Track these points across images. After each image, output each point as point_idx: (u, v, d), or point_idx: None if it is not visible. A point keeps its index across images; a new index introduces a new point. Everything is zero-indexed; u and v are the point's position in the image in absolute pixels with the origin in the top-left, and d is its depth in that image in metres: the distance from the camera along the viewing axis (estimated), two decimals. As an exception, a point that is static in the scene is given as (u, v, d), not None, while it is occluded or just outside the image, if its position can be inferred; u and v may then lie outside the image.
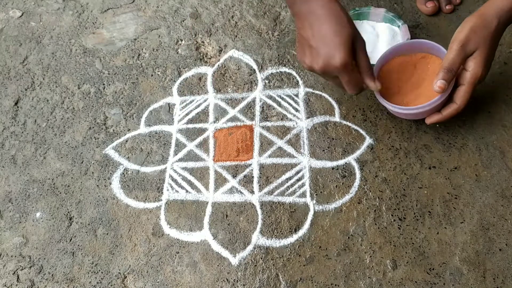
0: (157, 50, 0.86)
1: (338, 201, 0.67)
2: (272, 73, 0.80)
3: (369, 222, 0.65)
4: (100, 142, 0.77)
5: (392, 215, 0.65)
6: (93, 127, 0.79)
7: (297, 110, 0.76)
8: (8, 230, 0.71)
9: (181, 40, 0.87)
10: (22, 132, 0.80)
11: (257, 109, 0.77)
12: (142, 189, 0.72)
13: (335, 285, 0.61)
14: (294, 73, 0.79)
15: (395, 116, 0.72)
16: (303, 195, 0.68)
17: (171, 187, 0.71)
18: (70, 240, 0.69)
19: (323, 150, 0.71)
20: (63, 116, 0.81)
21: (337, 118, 0.74)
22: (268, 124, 0.75)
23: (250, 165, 0.71)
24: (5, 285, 0.66)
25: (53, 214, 0.71)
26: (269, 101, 0.77)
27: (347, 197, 0.67)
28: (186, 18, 0.89)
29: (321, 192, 0.68)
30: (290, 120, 0.75)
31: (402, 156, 0.69)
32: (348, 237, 0.64)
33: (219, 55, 0.84)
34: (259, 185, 0.70)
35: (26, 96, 0.84)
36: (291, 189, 0.69)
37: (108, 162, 0.75)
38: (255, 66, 0.81)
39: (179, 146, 0.75)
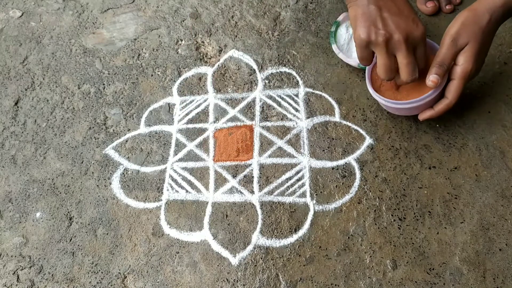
0: (157, 50, 0.86)
1: (338, 201, 0.67)
2: (272, 73, 0.80)
3: (369, 222, 0.65)
4: (100, 142, 0.77)
5: (392, 215, 0.65)
6: (93, 127, 0.79)
7: (297, 110, 0.76)
8: (8, 230, 0.71)
9: (181, 40, 0.87)
10: (22, 132, 0.80)
11: (257, 109, 0.77)
12: (142, 189, 0.72)
13: (335, 285, 0.61)
14: (294, 73, 0.79)
15: (395, 116, 0.72)
16: (303, 195, 0.68)
17: (171, 187, 0.71)
18: (70, 240, 0.69)
19: (323, 150, 0.71)
20: (63, 116, 0.81)
21: (337, 118, 0.74)
22: (268, 124, 0.75)
23: (250, 165, 0.71)
24: (5, 285, 0.66)
25: (53, 214, 0.71)
26: (269, 101, 0.77)
27: (347, 197, 0.67)
28: (186, 18, 0.89)
29: (321, 192, 0.68)
30: (290, 120, 0.75)
31: (402, 156, 0.69)
32: (348, 237, 0.64)
33: (219, 55, 0.84)
34: (259, 185, 0.70)
35: (26, 96, 0.84)
36: (291, 189, 0.69)
37: (108, 162, 0.75)
38: (255, 66, 0.81)
39: (179, 146, 0.75)
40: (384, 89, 0.67)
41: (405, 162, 0.69)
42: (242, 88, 0.79)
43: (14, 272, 0.67)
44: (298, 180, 0.69)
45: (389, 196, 0.66)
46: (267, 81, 0.79)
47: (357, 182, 0.68)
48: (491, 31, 0.62)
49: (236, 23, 0.87)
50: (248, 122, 0.75)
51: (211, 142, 0.75)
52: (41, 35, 0.91)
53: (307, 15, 0.85)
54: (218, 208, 0.69)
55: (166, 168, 0.73)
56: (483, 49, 0.62)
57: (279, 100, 0.77)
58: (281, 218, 0.67)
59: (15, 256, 0.68)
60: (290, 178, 0.69)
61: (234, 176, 0.71)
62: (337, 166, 0.70)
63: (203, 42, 0.86)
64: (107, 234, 0.68)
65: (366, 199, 0.66)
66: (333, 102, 0.76)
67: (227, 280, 0.63)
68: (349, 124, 0.73)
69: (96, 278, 0.65)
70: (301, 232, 0.65)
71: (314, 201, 0.67)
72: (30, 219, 0.71)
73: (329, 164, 0.70)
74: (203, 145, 0.75)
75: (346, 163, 0.70)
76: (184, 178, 0.72)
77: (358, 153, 0.70)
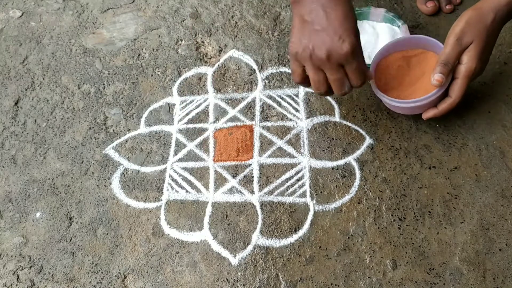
0: (157, 50, 0.86)
1: (338, 201, 0.67)
2: (272, 73, 0.80)
3: (369, 222, 0.65)
4: (100, 142, 0.77)
5: (392, 215, 0.65)
6: (93, 127, 0.79)
7: (297, 110, 0.76)
8: (8, 230, 0.71)
9: (181, 40, 0.87)
10: (22, 132, 0.80)
11: (257, 109, 0.77)
12: (142, 189, 0.72)
13: (335, 285, 0.61)
14: (294, 73, 0.79)
15: (395, 116, 0.72)
16: (303, 195, 0.68)
17: (171, 187, 0.71)
18: (70, 240, 0.69)
19: (323, 150, 0.71)
20: (63, 116, 0.81)
21: (337, 118, 0.74)
22: (268, 124, 0.75)
23: (250, 165, 0.71)
24: (5, 285, 0.66)
25: (53, 214, 0.71)
26: (269, 101, 0.77)
27: (347, 197, 0.67)
28: (186, 18, 0.89)
29: (321, 192, 0.68)
30: (290, 120, 0.75)
31: (402, 156, 0.69)
32: (348, 237, 0.64)
33: (219, 55, 0.84)
34: (259, 185, 0.70)
35: (26, 96, 0.84)
36: (291, 189, 0.69)
37: (108, 162, 0.75)
38: (255, 66, 0.81)
39: (179, 146, 0.75)
40: (388, 88, 0.67)
41: (405, 162, 0.69)
42: (242, 88, 0.79)
43: (14, 272, 0.67)
44: (298, 180, 0.69)
45: (389, 196, 0.66)
46: (267, 81, 0.79)
47: (357, 182, 0.68)
48: (496, 30, 0.62)
49: (236, 23, 0.87)
50: (248, 122, 0.75)
51: (211, 142, 0.75)
52: (41, 35, 0.91)
53: (307, 15, 0.85)
54: (218, 208, 0.69)
55: (166, 168, 0.73)
56: (488, 48, 0.61)
57: (279, 100, 0.77)
58: (281, 218, 0.67)
59: (15, 256, 0.68)
60: (290, 178, 0.69)
61: (234, 176, 0.71)
62: (337, 166, 0.70)
63: (203, 42, 0.86)
64: (107, 234, 0.68)
65: (366, 199, 0.66)
66: (333, 102, 0.76)
67: (227, 280, 0.63)
68: (349, 124, 0.73)
69: (96, 278, 0.65)
70: (301, 232, 0.65)
71: (314, 201, 0.67)
72: (30, 219, 0.71)
73: (329, 164, 0.70)
74: (203, 145, 0.75)
75: (346, 163, 0.70)
76: (184, 178, 0.72)
77: (358, 153, 0.70)
